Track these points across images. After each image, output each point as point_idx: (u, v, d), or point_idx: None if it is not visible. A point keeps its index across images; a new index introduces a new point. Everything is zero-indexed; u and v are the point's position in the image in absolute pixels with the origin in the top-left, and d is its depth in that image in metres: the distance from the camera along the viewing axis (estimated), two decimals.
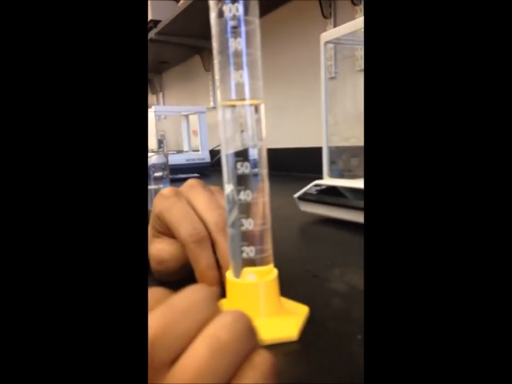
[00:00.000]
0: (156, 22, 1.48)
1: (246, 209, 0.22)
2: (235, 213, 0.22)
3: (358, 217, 0.47)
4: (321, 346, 0.21)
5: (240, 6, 0.19)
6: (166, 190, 0.30)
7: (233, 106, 0.21)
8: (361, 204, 0.46)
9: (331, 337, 0.22)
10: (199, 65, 1.80)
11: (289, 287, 0.26)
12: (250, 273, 0.22)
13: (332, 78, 1.07)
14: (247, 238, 0.22)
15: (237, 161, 0.21)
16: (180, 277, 0.29)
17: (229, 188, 0.22)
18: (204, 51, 1.70)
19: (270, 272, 0.23)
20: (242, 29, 0.20)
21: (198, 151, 1.57)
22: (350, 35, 0.54)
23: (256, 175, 0.22)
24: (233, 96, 0.21)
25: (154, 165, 0.64)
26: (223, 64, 0.20)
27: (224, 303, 0.24)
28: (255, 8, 0.20)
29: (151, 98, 2.48)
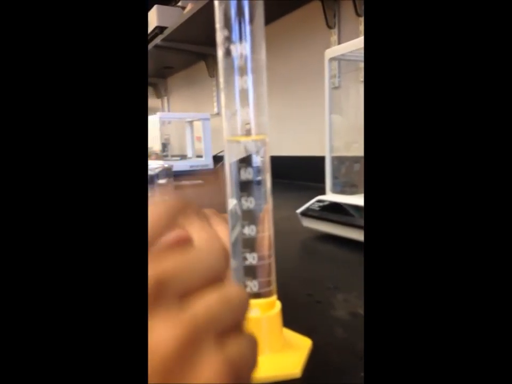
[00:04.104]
0: (161, 29, 1.48)
1: (250, 244, 0.22)
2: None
3: (360, 235, 0.47)
4: (324, 382, 0.21)
5: (247, 45, 0.20)
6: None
7: (239, 141, 0.21)
8: (363, 222, 0.45)
9: (334, 372, 0.22)
10: (204, 71, 1.80)
11: (292, 314, 0.26)
12: (253, 308, 0.22)
13: (335, 88, 1.07)
14: (250, 272, 0.22)
15: (241, 197, 0.21)
16: None
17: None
18: (209, 57, 1.71)
19: (273, 305, 0.23)
20: (249, 66, 0.20)
21: (201, 156, 1.57)
22: (355, 51, 0.54)
23: (259, 208, 0.22)
24: (240, 132, 0.21)
25: (159, 176, 0.64)
26: (229, 100, 0.20)
27: None
28: (262, 45, 0.20)
29: (156, 102, 2.48)
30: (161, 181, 0.66)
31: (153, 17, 1.48)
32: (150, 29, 1.51)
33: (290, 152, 1.35)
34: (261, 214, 0.22)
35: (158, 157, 1.65)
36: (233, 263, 0.23)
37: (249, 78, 0.20)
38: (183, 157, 1.79)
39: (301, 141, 1.31)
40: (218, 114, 1.80)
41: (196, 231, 0.29)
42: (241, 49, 0.20)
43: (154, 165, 0.66)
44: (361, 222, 0.46)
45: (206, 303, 0.13)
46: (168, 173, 0.66)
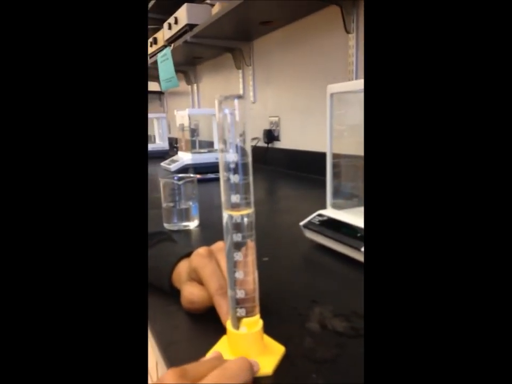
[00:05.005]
0: (191, 26, 1.56)
1: (239, 283, 0.31)
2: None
3: (351, 251, 0.55)
4: (288, 380, 0.31)
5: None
6: (202, 249, 0.40)
7: (231, 215, 0.30)
8: (352, 241, 0.54)
9: (297, 373, 0.31)
10: (231, 62, 1.87)
11: (275, 324, 0.36)
12: (242, 326, 0.32)
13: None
14: (239, 302, 0.32)
15: (234, 252, 0.31)
16: (203, 312, 0.40)
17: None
18: (235, 50, 1.77)
19: (257, 323, 0.33)
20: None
21: None
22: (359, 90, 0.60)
23: (245, 260, 0.31)
24: (232, 207, 0.30)
25: (185, 186, 0.74)
26: (226, 190, 0.30)
27: (225, 342, 0.34)
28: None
29: (186, 88, 2.58)
30: (188, 194, 0.75)
31: (183, 15, 1.56)
32: (180, 26, 1.59)
33: (312, 147, 1.42)
34: (246, 262, 0.31)
35: (187, 144, 1.76)
36: (229, 292, 0.33)
37: (240, 173, 0.29)
38: (210, 146, 1.89)
39: (322, 137, 1.38)
40: None
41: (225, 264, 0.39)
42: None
43: (180, 175, 0.76)
44: (351, 241, 0.55)
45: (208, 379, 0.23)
46: (193, 182, 0.76)
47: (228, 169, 0.29)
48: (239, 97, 0.28)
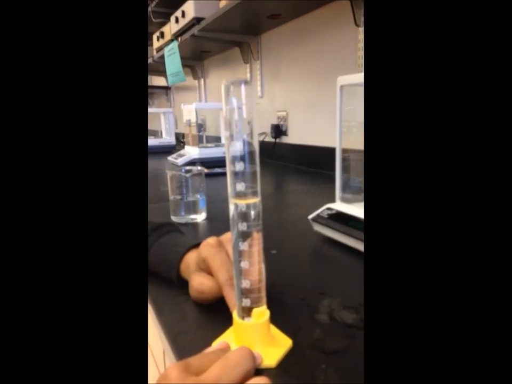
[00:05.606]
0: (198, 20, 1.55)
1: (244, 273, 0.31)
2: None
3: (357, 244, 0.55)
4: (293, 372, 0.30)
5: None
6: (211, 239, 0.40)
7: (236, 204, 0.30)
8: (359, 235, 0.53)
9: (303, 365, 0.31)
10: (238, 56, 1.86)
11: (284, 315, 0.36)
12: (248, 317, 0.31)
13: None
14: (244, 292, 0.31)
15: (239, 242, 0.30)
16: (211, 302, 0.40)
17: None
18: (243, 45, 1.76)
19: (263, 314, 0.32)
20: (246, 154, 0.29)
21: None
22: None
23: (251, 250, 0.31)
24: (238, 196, 0.30)
25: (193, 178, 0.74)
26: (232, 178, 0.29)
27: (232, 332, 0.34)
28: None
29: (193, 83, 2.57)
30: (195, 187, 0.75)
31: (191, 9, 1.55)
32: (187, 20, 1.58)
33: (319, 142, 1.41)
34: (252, 252, 0.31)
35: (194, 139, 1.75)
36: (235, 281, 0.32)
37: (247, 161, 0.29)
38: (217, 140, 1.88)
39: (330, 131, 1.37)
40: None
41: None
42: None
43: (188, 168, 0.75)
44: (360, 234, 0.54)
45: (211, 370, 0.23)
46: (200, 175, 0.75)
47: (233, 157, 0.29)
48: (246, 82, 0.28)
